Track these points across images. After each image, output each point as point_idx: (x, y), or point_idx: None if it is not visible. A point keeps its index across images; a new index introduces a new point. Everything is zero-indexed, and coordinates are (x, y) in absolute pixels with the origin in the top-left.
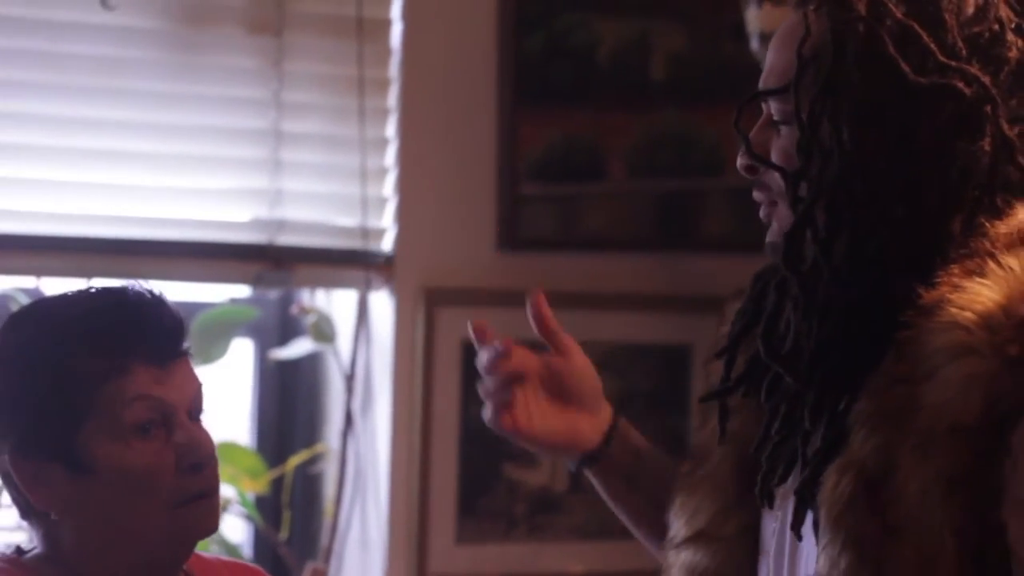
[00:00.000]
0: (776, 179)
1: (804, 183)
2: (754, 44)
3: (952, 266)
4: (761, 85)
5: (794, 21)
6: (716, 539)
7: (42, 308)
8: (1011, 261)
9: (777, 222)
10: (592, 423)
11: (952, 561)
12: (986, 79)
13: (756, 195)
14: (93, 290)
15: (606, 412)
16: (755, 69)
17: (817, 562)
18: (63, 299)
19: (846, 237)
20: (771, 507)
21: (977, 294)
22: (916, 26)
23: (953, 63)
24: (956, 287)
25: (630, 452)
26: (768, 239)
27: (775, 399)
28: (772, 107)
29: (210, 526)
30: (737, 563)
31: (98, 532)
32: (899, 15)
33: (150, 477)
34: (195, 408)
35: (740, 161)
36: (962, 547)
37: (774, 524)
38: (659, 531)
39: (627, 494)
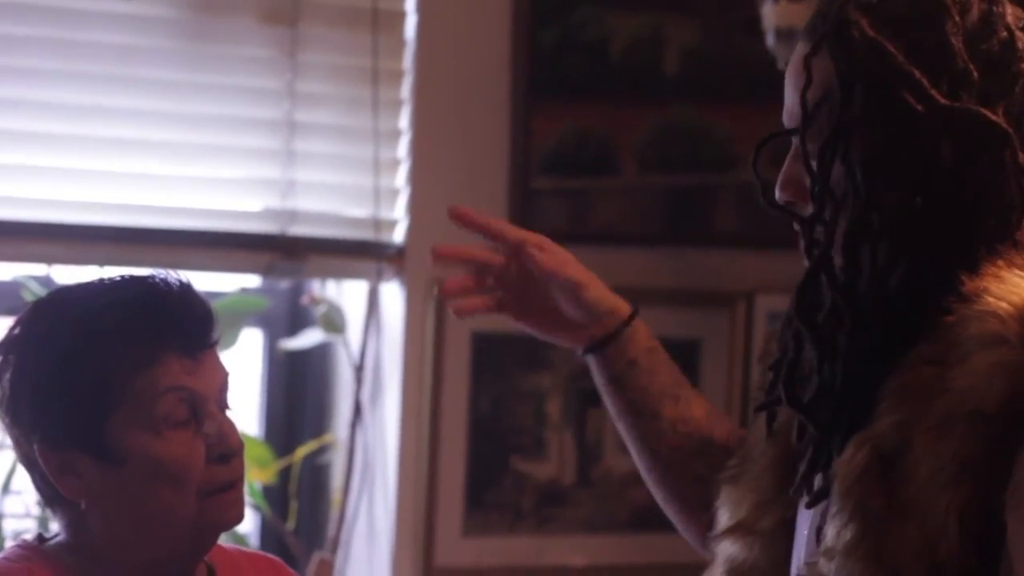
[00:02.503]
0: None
1: (819, 227)
2: (770, 40)
3: (997, 261)
4: (785, 122)
5: (800, 56)
6: (753, 532)
7: (70, 296)
8: None
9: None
10: (583, 327)
11: (954, 544)
12: (1002, 98)
13: (797, 227)
14: (121, 279)
15: (611, 312)
16: (769, 65)
17: (825, 532)
18: (91, 287)
19: (866, 278)
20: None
21: (1016, 286)
22: (922, 59)
23: (963, 92)
24: (997, 278)
25: (624, 360)
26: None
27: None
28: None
29: (236, 516)
30: (772, 557)
31: (126, 521)
32: (903, 52)
33: (180, 468)
34: (223, 398)
35: (763, 198)
36: (965, 531)
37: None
38: (636, 435)
39: (613, 394)
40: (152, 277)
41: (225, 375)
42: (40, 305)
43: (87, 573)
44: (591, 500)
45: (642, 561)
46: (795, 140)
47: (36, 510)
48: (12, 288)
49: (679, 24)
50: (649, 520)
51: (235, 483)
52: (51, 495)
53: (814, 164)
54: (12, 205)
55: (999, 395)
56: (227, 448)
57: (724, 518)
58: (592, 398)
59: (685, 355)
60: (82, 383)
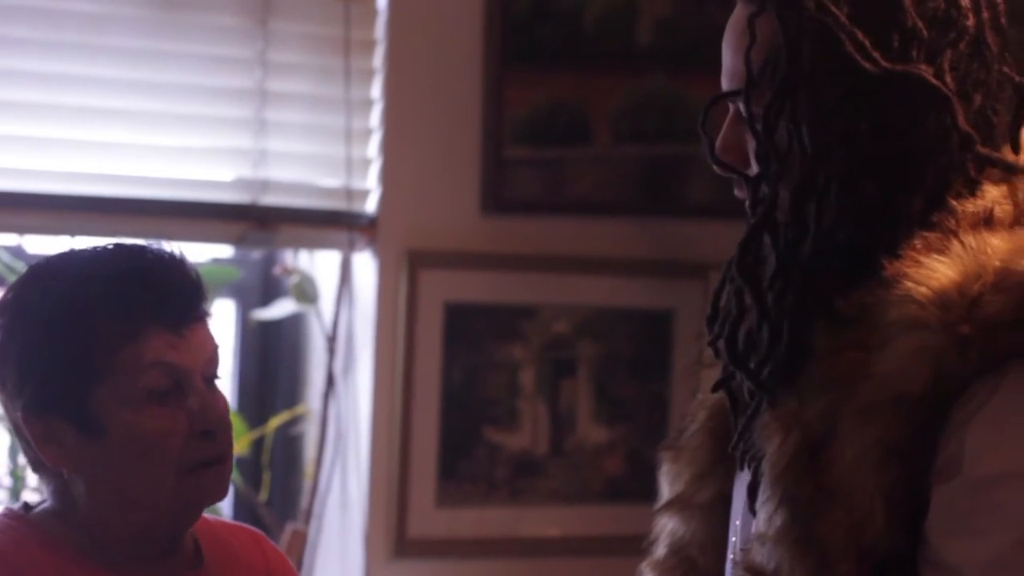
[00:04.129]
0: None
1: (765, 186)
2: None
3: (916, 241)
4: (724, 83)
5: (741, 16)
6: (691, 505)
7: (63, 264)
8: (971, 241)
9: None
10: None
11: (881, 527)
12: (947, 55)
13: (737, 193)
14: (115, 248)
15: None
16: None
17: (755, 519)
18: (81, 257)
19: (812, 235)
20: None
21: (934, 270)
22: (869, 18)
23: (912, 50)
24: (916, 262)
25: None
26: None
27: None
28: (741, 107)
29: (219, 493)
30: (711, 531)
31: (107, 493)
32: (848, 10)
33: (161, 442)
34: (210, 371)
35: (711, 160)
36: (892, 514)
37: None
38: None
39: None
40: (144, 249)
41: (214, 348)
42: (35, 271)
43: (73, 541)
44: (564, 471)
45: (616, 532)
46: (734, 104)
47: (7, 480)
48: None
49: None
50: (622, 491)
51: (220, 459)
52: (36, 461)
53: (758, 125)
54: None
55: (923, 380)
56: (210, 424)
57: (665, 491)
58: (565, 369)
59: (658, 326)
60: (65, 353)
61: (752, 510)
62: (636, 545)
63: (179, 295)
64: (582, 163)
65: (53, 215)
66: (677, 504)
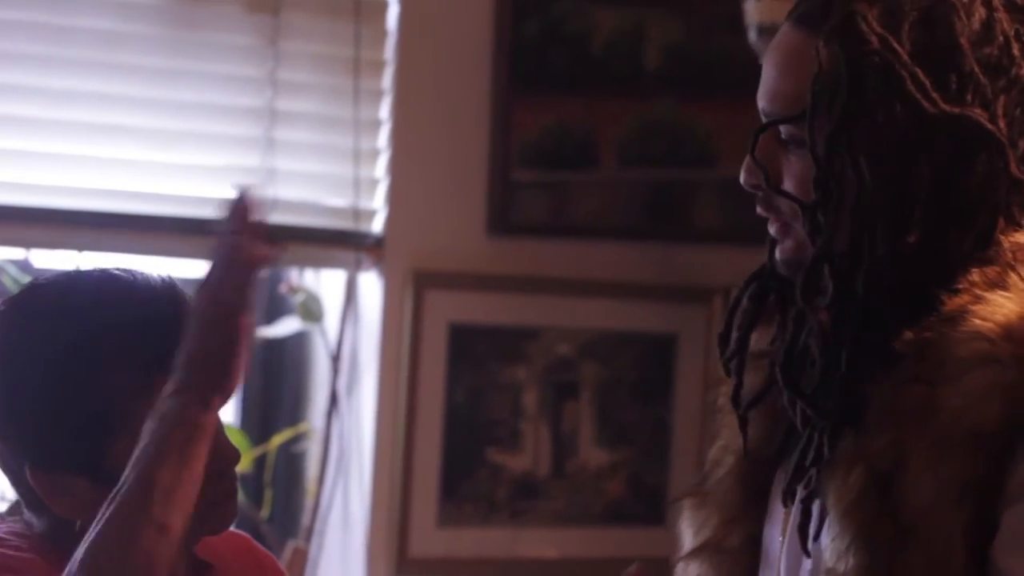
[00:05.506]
0: (788, 203)
1: (821, 215)
2: (752, 36)
3: (973, 275)
4: (766, 105)
5: (795, 41)
6: (720, 551)
7: (59, 310)
8: None
9: (794, 240)
10: None
11: (962, 563)
12: (1000, 101)
13: (761, 212)
14: (109, 287)
15: None
16: (751, 61)
17: (824, 554)
18: (80, 301)
19: (866, 266)
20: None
21: (1000, 306)
22: (929, 58)
23: (968, 94)
24: (978, 298)
25: None
26: (781, 256)
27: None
28: (783, 129)
29: (227, 527)
30: (742, 575)
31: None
32: (910, 47)
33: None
34: None
35: (746, 179)
36: (972, 550)
37: (779, 537)
38: None
39: None
40: (144, 287)
41: None
42: (28, 313)
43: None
44: (566, 493)
45: (616, 554)
46: (779, 128)
47: None
48: None
49: (661, 19)
50: (623, 514)
51: (230, 495)
52: (36, 504)
53: (819, 151)
54: None
55: (996, 415)
56: (224, 464)
57: (689, 538)
58: (568, 391)
59: (662, 350)
60: (81, 411)
61: (805, 549)
62: None
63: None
64: (588, 187)
65: (61, 230)
66: (707, 550)
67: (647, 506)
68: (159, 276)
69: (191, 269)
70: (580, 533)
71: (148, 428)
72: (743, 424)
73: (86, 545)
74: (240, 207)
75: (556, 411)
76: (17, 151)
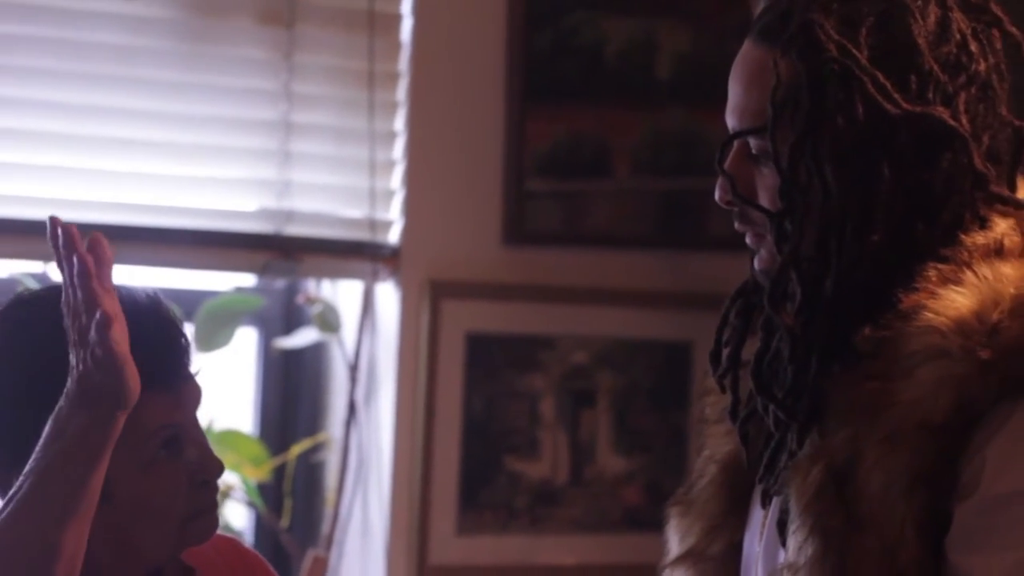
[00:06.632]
0: (760, 215)
1: (788, 223)
2: None
3: (930, 272)
4: (734, 122)
5: (756, 56)
6: (704, 558)
7: (51, 328)
8: (985, 271)
9: (767, 250)
10: None
11: (913, 553)
12: (961, 98)
13: (738, 227)
14: None
15: None
16: None
17: (786, 548)
18: (57, 311)
19: (834, 270)
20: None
21: (952, 301)
22: (888, 61)
23: (929, 93)
24: (933, 294)
25: None
26: (759, 267)
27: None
28: (752, 143)
29: (210, 536)
30: None
31: (107, 550)
32: (869, 52)
33: (167, 501)
34: (197, 415)
35: (720, 195)
36: (922, 540)
37: (757, 541)
38: None
39: None
40: (132, 305)
41: (200, 394)
42: (3, 327)
43: None
44: (584, 500)
45: (634, 561)
46: (740, 140)
47: None
48: (9, 285)
49: (672, 29)
50: (641, 520)
51: (214, 506)
52: None
53: (783, 162)
54: (9, 203)
55: (947, 407)
56: (208, 474)
57: (675, 545)
58: (585, 399)
59: (677, 357)
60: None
61: (784, 545)
62: (653, 574)
63: (173, 356)
64: (602, 196)
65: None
66: (690, 558)
67: (664, 513)
68: (144, 291)
69: (208, 281)
70: (598, 540)
71: (43, 442)
72: (744, 438)
73: None
74: (65, 234)
75: (573, 419)
76: (34, 165)
